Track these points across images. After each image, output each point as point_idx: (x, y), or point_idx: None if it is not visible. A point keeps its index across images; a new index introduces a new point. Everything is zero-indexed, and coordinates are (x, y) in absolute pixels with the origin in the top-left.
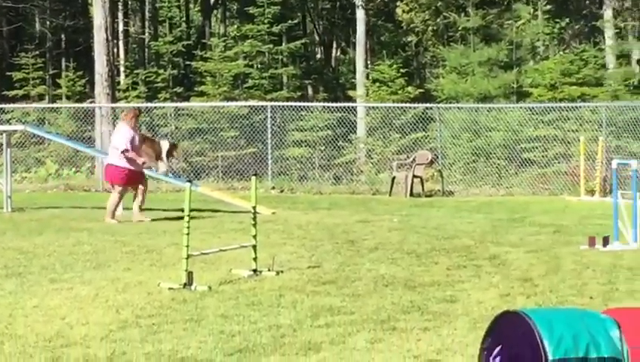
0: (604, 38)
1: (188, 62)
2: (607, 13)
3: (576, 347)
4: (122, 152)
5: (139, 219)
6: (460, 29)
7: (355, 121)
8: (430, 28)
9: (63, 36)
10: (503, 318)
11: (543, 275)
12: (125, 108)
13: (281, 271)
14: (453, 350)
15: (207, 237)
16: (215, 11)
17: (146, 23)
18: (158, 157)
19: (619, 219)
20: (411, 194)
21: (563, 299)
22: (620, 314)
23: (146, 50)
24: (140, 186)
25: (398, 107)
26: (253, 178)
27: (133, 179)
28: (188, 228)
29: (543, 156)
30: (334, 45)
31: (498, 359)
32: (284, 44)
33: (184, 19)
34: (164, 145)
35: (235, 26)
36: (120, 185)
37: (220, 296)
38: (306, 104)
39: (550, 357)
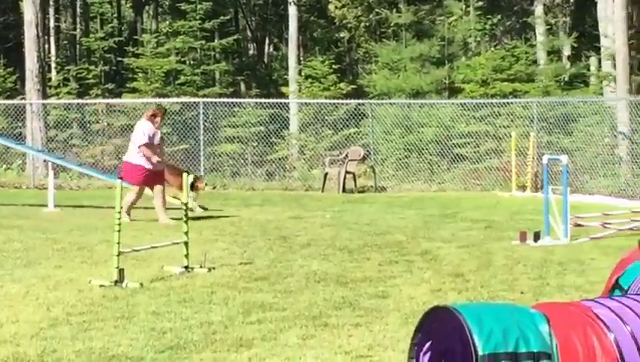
0: (535, 34)
1: (120, 59)
2: (538, 10)
3: (505, 341)
4: (139, 147)
5: (165, 222)
6: (392, 25)
7: (287, 117)
8: (362, 24)
9: None
10: (433, 313)
11: (474, 270)
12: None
13: (213, 268)
14: (384, 345)
15: (139, 234)
16: (147, 7)
17: (78, 19)
18: (181, 187)
19: (550, 214)
20: (344, 190)
21: (494, 294)
22: (550, 309)
23: (78, 46)
24: (159, 186)
25: (330, 103)
26: (185, 174)
27: (150, 178)
28: (119, 224)
29: (474, 152)
30: (267, 41)
31: (428, 354)
32: (216, 40)
33: (115, 15)
34: (189, 178)
35: (167, 22)
36: (136, 185)
37: (151, 293)
38: (238, 100)
39: (480, 352)
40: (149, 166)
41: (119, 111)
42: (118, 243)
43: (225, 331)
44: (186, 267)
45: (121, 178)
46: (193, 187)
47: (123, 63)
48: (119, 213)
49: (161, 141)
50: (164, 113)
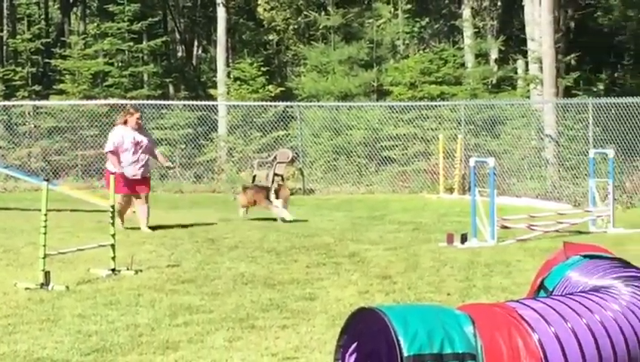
0: (462, 37)
1: (47, 60)
2: (466, 13)
3: (430, 343)
4: (107, 153)
5: (146, 231)
6: (320, 27)
7: (216, 119)
8: (291, 26)
9: None
10: (358, 315)
11: (401, 272)
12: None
13: (140, 270)
14: (311, 347)
15: (65, 236)
16: (74, 9)
17: (4, 20)
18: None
19: (477, 216)
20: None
21: (421, 296)
22: (475, 310)
23: (4, 47)
24: (142, 194)
25: (259, 105)
26: (112, 177)
27: (128, 185)
28: (45, 227)
29: (402, 154)
30: (195, 43)
31: (354, 356)
32: (144, 42)
33: (43, 16)
34: (273, 185)
35: (95, 24)
36: (117, 193)
37: (77, 296)
38: (166, 102)
39: (405, 353)
40: (126, 173)
41: (46, 113)
42: (44, 245)
43: (151, 333)
44: (113, 269)
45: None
46: (278, 194)
47: (50, 65)
48: (45, 215)
49: (150, 143)
50: (135, 112)
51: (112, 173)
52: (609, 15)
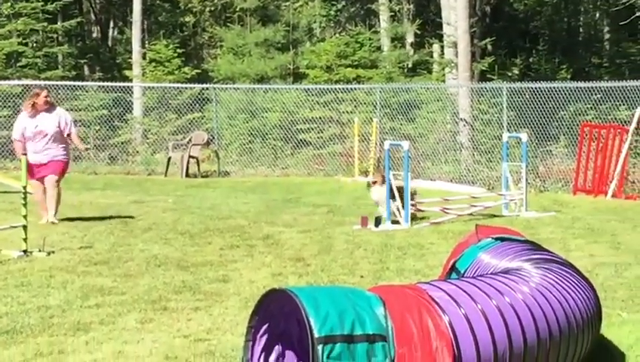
0: (379, 20)
1: None
2: None
3: (341, 324)
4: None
5: (50, 221)
6: (237, 9)
7: (131, 101)
8: (208, 8)
9: None
10: (270, 296)
11: (315, 255)
12: None
13: (52, 252)
14: (223, 329)
15: None
16: None
17: None
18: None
19: (391, 199)
20: (187, 175)
21: (334, 278)
22: (386, 292)
23: None
24: (47, 179)
25: (174, 87)
26: (23, 158)
27: (32, 171)
28: None
29: (318, 137)
30: (111, 24)
31: (265, 336)
32: (59, 22)
33: None
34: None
35: (9, 4)
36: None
37: None
38: (81, 83)
39: (316, 334)
40: (30, 160)
41: None
42: None
43: (62, 315)
44: (25, 251)
45: None
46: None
47: None
48: None
49: (59, 127)
50: (41, 92)
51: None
52: (524, 0)
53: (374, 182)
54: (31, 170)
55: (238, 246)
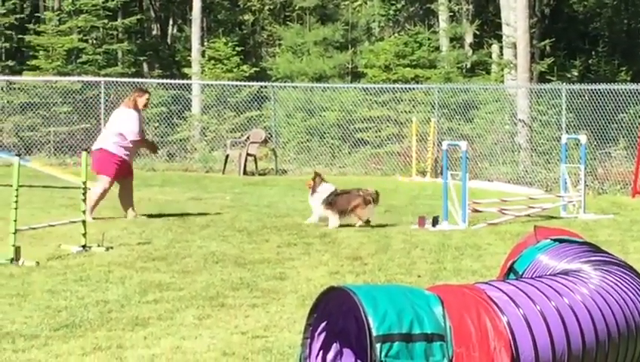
0: (438, 20)
1: (21, 36)
2: None
3: (400, 322)
4: (135, 138)
5: (132, 216)
6: (296, 8)
7: (189, 98)
8: (267, 7)
9: None
10: (328, 294)
11: (372, 254)
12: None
13: (111, 247)
14: (280, 326)
15: (36, 212)
16: None
17: None
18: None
19: (448, 199)
20: (245, 173)
21: (391, 278)
22: (444, 291)
23: None
24: (129, 178)
25: (233, 85)
26: (84, 153)
27: (124, 170)
28: (16, 202)
29: (376, 136)
30: (170, 22)
31: (324, 334)
32: (119, 19)
33: None
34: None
35: (70, 0)
36: (108, 176)
37: (47, 272)
38: (140, 80)
39: (375, 333)
40: (125, 157)
41: (19, 89)
42: (15, 220)
43: (121, 310)
44: (84, 246)
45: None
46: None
47: (24, 40)
48: (17, 190)
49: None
50: (144, 93)
51: (119, 159)
52: (584, 2)
53: (314, 180)
54: (124, 168)
55: (295, 244)
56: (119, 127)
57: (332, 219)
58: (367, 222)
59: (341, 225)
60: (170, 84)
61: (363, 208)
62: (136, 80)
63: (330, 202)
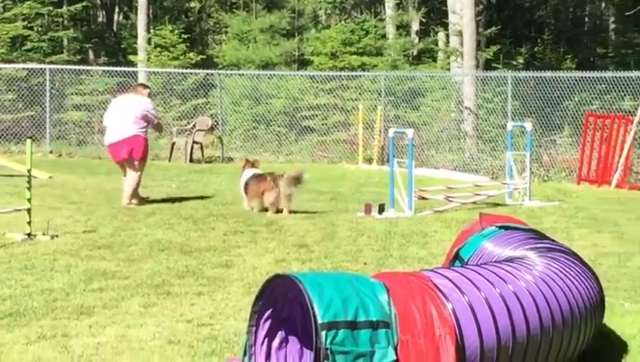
0: (384, 8)
1: None
2: None
3: (345, 310)
4: (157, 123)
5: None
6: None
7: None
8: None
9: None
10: (274, 282)
11: (318, 241)
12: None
13: (56, 236)
14: (226, 314)
15: None
16: None
17: None
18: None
19: (395, 187)
20: (191, 160)
21: (337, 265)
22: (389, 279)
23: None
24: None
25: (179, 73)
26: (29, 141)
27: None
28: None
29: (322, 124)
30: (116, 9)
31: (269, 322)
32: (64, 6)
33: None
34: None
35: None
36: (144, 161)
37: None
38: (86, 68)
39: (320, 320)
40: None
41: None
42: None
43: (66, 298)
44: (29, 234)
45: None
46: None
47: None
48: None
49: None
50: (146, 88)
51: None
52: None
53: (244, 166)
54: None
55: (242, 231)
56: (139, 113)
57: (245, 201)
58: (279, 211)
59: (291, 212)
60: (116, 71)
61: (269, 192)
62: (81, 67)
63: (245, 186)
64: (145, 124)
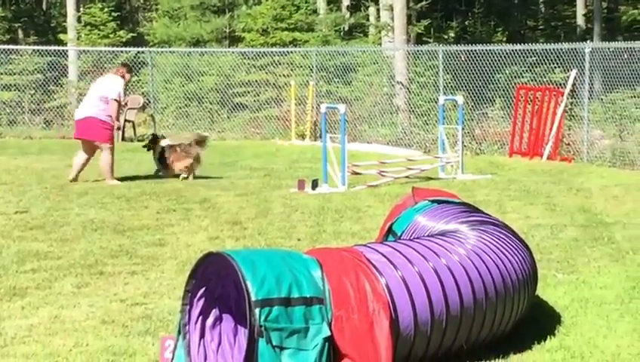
0: None
1: None
2: None
3: (279, 287)
4: (110, 102)
5: (113, 183)
6: None
7: (66, 64)
8: None
9: None
10: (207, 260)
11: (252, 218)
12: None
13: None
14: (160, 293)
15: None
16: None
17: None
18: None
19: (328, 162)
20: (123, 139)
21: (271, 242)
22: (323, 254)
23: None
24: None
25: (109, 51)
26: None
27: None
28: None
29: (254, 100)
30: None
31: (202, 300)
32: None
33: None
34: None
35: None
36: (110, 142)
37: None
38: (15, 47)
39: (253, 298)
40: (112, 123)
41: None
42: None
43: None
44: None
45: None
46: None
47: None
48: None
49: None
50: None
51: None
52: None
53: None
54: (111, 132)
55: (175, 210)
56: (102, 93)
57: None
58: (187, 177)
59: (222, 190)
60: (46, 50)
61: (178, 160)
62: (10, 47)
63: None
64: (105, 106)
